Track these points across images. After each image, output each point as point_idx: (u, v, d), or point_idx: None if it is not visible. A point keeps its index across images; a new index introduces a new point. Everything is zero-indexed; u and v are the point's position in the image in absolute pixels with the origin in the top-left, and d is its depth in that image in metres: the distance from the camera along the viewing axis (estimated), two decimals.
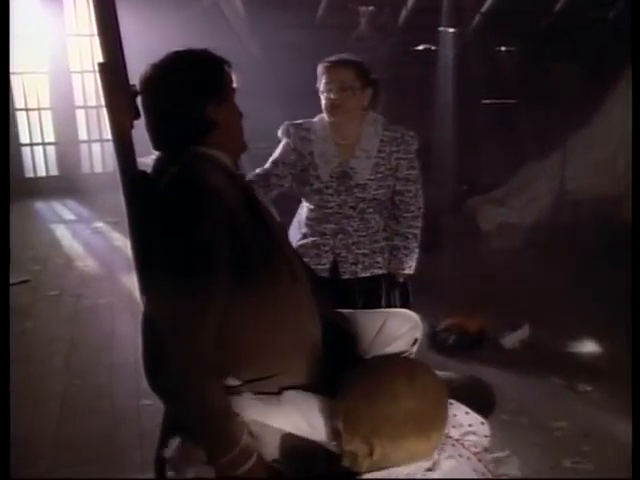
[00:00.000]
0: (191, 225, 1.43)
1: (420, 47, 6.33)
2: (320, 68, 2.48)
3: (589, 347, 3.44)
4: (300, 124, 2.57)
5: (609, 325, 3.45)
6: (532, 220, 5.36)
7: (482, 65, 5.99)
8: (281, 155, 2.56)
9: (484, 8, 6.19)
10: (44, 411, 2.89)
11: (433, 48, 6.25)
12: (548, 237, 5.03)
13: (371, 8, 5.97)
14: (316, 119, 2.58)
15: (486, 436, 1.39)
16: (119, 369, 3.21)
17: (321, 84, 2.47)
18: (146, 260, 1.56)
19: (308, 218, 2.58)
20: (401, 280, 2.63)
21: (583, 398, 2.94)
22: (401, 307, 2.54)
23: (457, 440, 1.36)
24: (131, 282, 2.07)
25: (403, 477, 1.27)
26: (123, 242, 5.17)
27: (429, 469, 1.28)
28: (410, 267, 2.61)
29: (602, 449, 2.53)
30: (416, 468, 1.28)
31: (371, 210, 2.55)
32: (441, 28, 6.10)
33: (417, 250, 2.62)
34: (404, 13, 6.14)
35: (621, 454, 2.30)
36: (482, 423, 1.40)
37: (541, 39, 6.12)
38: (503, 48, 6.39)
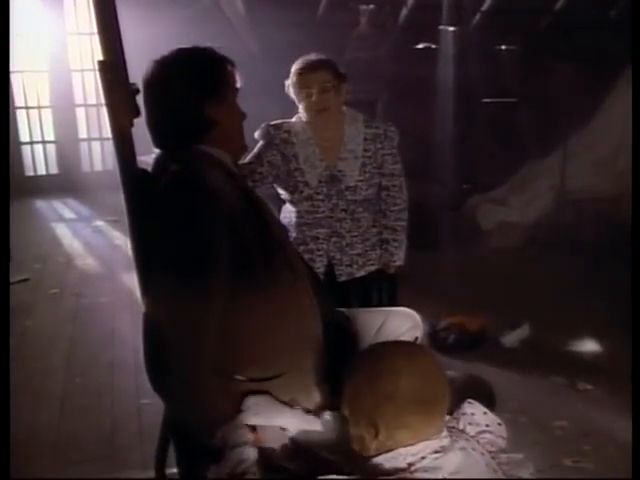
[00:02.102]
0: (191, 224, 1.43)
1: (420, 46, 6.31)
2: (294, 75, 2.43)
3: (589, 346, 3.44)
4: (280, 125, 2.50)
5: (609, 324, 3.45)
6: (532, 219, 5.36)
7: (482, 64, 5.97)
8: (266, 154, 2.47)
9: (484, 7, 6.18)
10: (44, 410, 2.89)
11: (433, 47, 6.24)
12: (548, 236, 5.03)
13: (371, 7, 5.96)
14: (294, 119, 2.52)
15: (502, 437, 1.41)
16: (119, 368, 3.22)
17: (298, 90, 2.43)
18: (146, 259, 1.55)
19: (299, 223, 2.52)
20: (392, 272, 2.64)
21: (583, 397, 2.94)
22: (390, 300, 2.58)
23: (472, 437, 1.38)
24: (131, 281, 2.07)
25: (411, 460, 1.28)
26: (123, 241, 5.17)
27: (437, 451, 1.30)
28: (400, 258, 2.62)
29: (602, 448, 2.53)
30: (424, 447, 1.30)
31: (361, 209, 2.54)
32: (441, 27, 6.09)
33: (405, 241, 2.63)
34: (404, 12, 6.13)
35: (621, 453, 2.31)
36: (499, 424, 1.42)
37: (541, 38, 6.11)
38: (503, 47, 6.37)
